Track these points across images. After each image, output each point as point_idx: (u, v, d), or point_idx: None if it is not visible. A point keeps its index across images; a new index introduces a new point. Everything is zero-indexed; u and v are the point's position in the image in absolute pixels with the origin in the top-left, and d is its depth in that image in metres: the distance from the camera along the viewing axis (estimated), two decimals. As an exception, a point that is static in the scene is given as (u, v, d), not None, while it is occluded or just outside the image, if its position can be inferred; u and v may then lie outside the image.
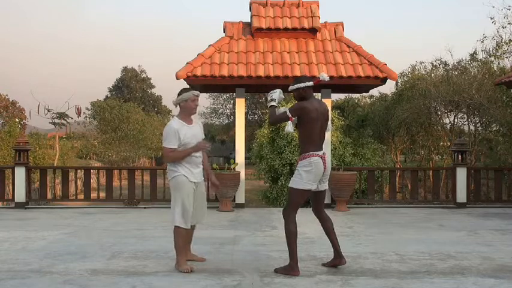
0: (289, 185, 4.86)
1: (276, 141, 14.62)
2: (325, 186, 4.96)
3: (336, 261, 4.98)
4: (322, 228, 5.05)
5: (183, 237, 4.88)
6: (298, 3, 10.13)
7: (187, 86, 9.77)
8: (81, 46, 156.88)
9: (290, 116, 4.80)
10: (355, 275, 4.77)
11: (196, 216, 4.98)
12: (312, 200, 5.04)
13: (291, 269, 4.73)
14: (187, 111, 4.94)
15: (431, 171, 14.23)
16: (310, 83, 4.87)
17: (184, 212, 4.82)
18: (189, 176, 4.85)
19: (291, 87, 4.95)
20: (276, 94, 5.04)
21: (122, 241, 6.32)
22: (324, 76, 4.92)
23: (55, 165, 20.49)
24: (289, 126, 4.83)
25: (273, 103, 5.01)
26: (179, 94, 4.95)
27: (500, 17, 33.90)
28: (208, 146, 4.96)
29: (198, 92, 4.97)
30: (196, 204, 4.95)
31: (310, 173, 4.72)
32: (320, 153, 4.80)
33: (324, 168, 4.80)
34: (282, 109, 5.02)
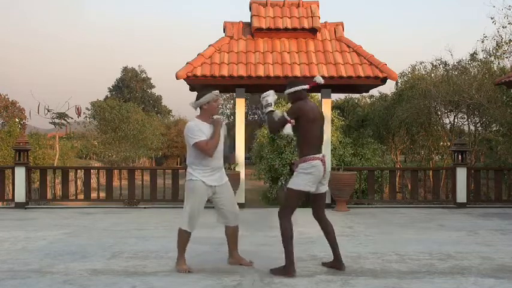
0: (288, 186, 4.84)
1: (276, 141, 14.63)
2: (325, 188, 4.94)
3: (336, 266, 4.95)
4: (323, 233, 5.02)
5: (185, 239, 4.89)
6: (298, 3, 10.13)
7: (187, 86, 9.84)
8: (81, 46, 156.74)
9: (288, 118, 4.75)
10: (355, 275, 4.77)
11: (229, 217, 4.99)
12: (313, 203, 5.02)
13: (287, 271, 4.70)
14: (210, 112, 4.87)
15: (431, 171, 14.24)
16: (306, 86, 4.86)
17: (191, 217, 4.82)
18: (207, 181, 4.79)
19: (287, 91, 4.91)
20: (270, 97, 4.93)
21: (122, 241, 6.32)
22: (319, 79, 4.93)
23: (55, 165, 20.50)
24: (289, 128, 4.77)
25: (269, 108, 4.91)
26: (198, 97, 4.87)
27: (501, 17, 33.99)
28: (222, 120, 4.86)
29: (217, 91, 4.90)
30: (226, 204, 4.94)
31: (311, 175, 4.71)
32: (320, 156, 4.79)
33: (324, 170, 4.80)
34: (277, 112, 4.92)
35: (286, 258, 4.73)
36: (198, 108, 4.91)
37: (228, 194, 5.01)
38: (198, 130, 4.74)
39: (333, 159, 12.09)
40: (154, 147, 34.04)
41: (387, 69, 9.07)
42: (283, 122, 4.81)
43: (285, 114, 4.81)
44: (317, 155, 4.77)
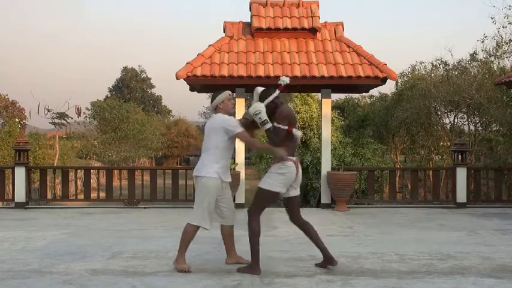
0: (260, 185, 4.84)
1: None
2: (296, 192, 4.93)
3: (328, 263, 4.95)
4: (304, 234, 5.00)
5: (192, 236, 4.91)
6: (298, 3, 10.13)
7: (187, 86, 9.83)
8: (81, 46, 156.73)
9: (286, 127, 4.67)
10: (355, 275, 4.77)
11: (227, 217, 5.04)
12: (286, 206, 5.03)
13: (252, 270, 4.74)
14: (226, 110, 4.94)
15: (431, 171, 14.24)
16: (277, 93, 4.85)
17: (210, 213, 4.87)
18: (223, 176, 4.85)
19: (264, 103, 4.77)
20: (263, 113, 4.69)
21: (122, 241, 6.32)
22: (284, 80, 4.92)
23: (55, 165, 20.50)
24: (297, 132, 4.75)
25: (268, 125, 4.68)
26: (213, 98, 4.94)
27: (501, 17, 33.95)
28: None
29: (229, 91, 5.00)
30: (227, 204, 5.01)
31: (283, 176, 4.73)
32: (294, 158, 4.82)
33: (296, 173, 4.80)
34: (267, 126, 4.71)
35: (252, 256, 4.76)
36: (214, 110, 5.00)
37: (229, 193, 5.09)
38: (238, 121, 4.88)
39: (333, 159, 12.09)
40: (154, 147, 34.08)
41: (387, 69, 9.07)
42: (283, 132, 4.69)
43: (277, 124, 4.69)
44: (291, 157, 4.79)
